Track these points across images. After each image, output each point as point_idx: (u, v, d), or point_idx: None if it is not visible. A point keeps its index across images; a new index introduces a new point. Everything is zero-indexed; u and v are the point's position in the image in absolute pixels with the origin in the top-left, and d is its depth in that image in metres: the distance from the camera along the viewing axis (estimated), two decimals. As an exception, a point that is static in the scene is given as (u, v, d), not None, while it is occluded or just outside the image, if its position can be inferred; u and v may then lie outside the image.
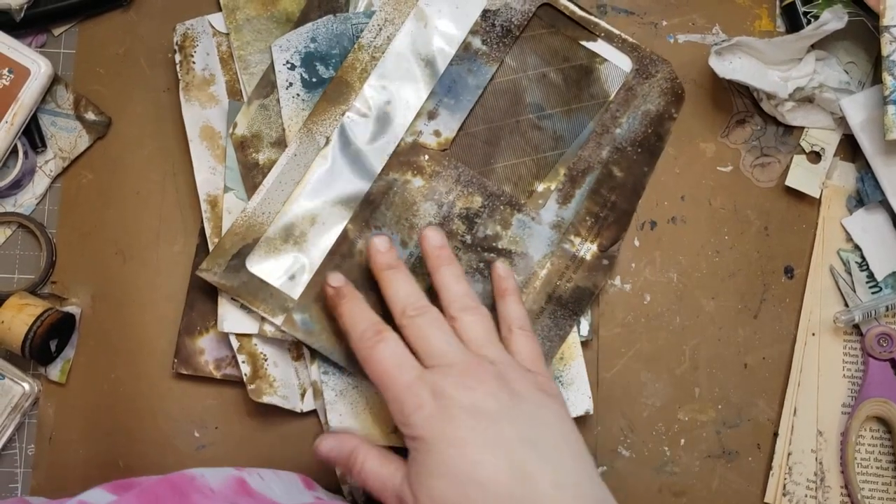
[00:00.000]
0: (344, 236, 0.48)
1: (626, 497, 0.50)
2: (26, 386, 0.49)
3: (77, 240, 0.51)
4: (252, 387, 0.48)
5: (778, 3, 0.53)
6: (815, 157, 0.52)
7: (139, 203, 0.51)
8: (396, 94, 0.50)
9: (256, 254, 0.48)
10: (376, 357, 0.42)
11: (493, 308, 0.46)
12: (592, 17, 0.52)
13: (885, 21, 0.48)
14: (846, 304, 0.51)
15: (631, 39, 0.52)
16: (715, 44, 0.49)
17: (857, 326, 0.51)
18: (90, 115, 0.51)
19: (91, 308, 0.51)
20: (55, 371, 0.50)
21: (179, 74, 0.50)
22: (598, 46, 0.52)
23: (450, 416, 0.39)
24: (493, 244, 0.49)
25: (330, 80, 0.50)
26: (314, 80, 0.50)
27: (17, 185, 0.50)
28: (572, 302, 0.49)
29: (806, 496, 0.50)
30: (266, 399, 0.48)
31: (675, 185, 0.52)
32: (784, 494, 0.49)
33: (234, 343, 0.48)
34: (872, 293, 0.51)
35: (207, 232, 0.49)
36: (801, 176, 0.52)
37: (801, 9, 0.51)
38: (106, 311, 0.51)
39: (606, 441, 0.50)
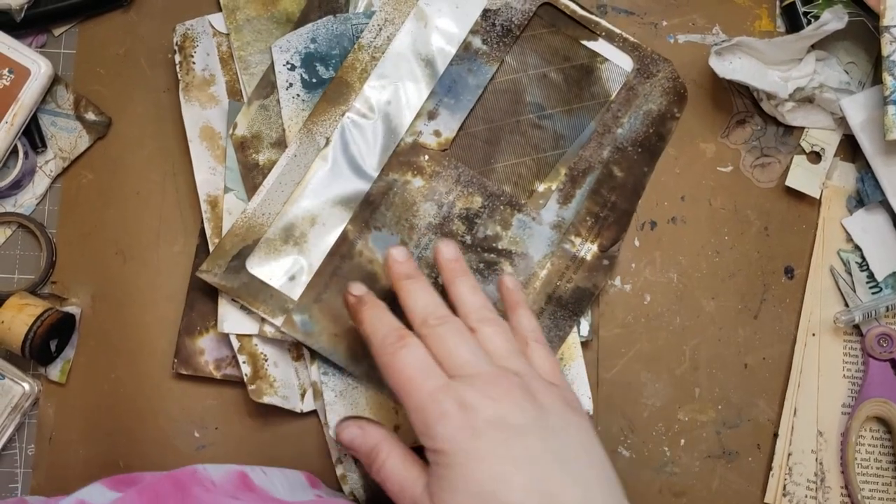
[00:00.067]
0: (344, 237, 0.48)
1: (626, 497, 0.50)
2: (26, 386, 0.49)
3: (77, 240, 0.51)
4: (253, 387, 0.48)
5: (778, 3, 0.53)
6: (816, 157, 0.52)
7: (139, 203, 0.51)
8: (396, 94, 0.50)
9: (256, 255, 0.48)
10: (398, 364, 0.39)
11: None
12: (593, 17, 0.52)
13: (886, 21, 0.48)
14: (846, 305, 0.51)
15: (632, 39, 0.52)
16: (715, 44, 0.49)
17: (857, 327, 0.51)
18: (90, 116, 0.51)
19: (91, 308, 0.51)
20: (55, 371, 0.50)
21: (179, 75, 0.50)
22: (599, 46, 0.52)
23: (475, 428, 0.37)
24: (494, 244, 0.49)
25: (330, 80, 0.50)
26: (314, 80, 0.50)
27: (17, 186, 0.50)
28: (572, 302, 0.49)
29: (806, 496, 0.50)
30: (266, 399, 0.48)
31: (675, 185, 0.52)
32: (784, 495, 0.49)
33: (235, 343, 0.48)
34: (872, 293, 0.51)
35: (208, 232, 0.49)
36: (802, 176, 0.52)
37: (802, 9, 0.51)
38: (106, 311, 0.51)
39: (606, 441, 0.50)
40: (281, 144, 0.49)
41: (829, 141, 0.52)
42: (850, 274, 0.51)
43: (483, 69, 0.50)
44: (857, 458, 0.50)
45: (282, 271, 0.48)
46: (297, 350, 0.49)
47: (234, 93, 0.50)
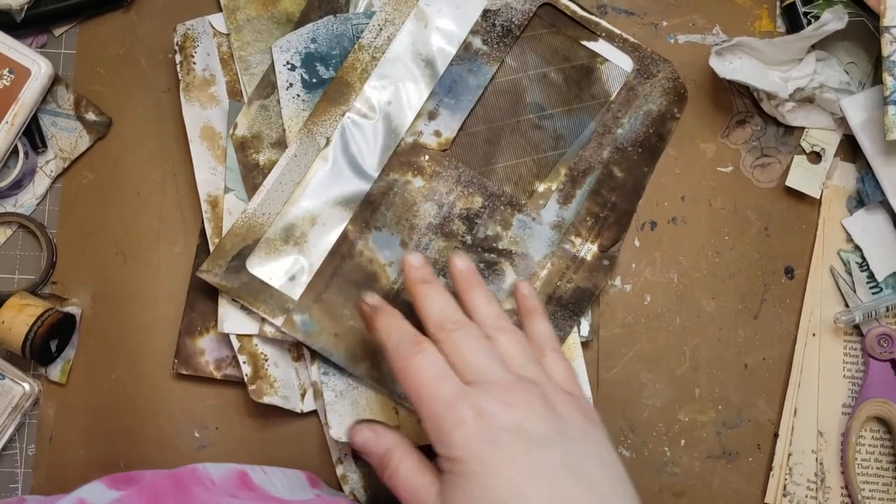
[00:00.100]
0: (344, 237, 0.48)
1: (626, 497, 0.50)
2: (26, 386, 0.49)
3: (77, 240, 0.51)
4: (253, 387, 0.48)
5: (778, 3, 0.53)
6: (816, 157, 0.52)
7: (140, 203, 0.51)
8: (397, 94, 0.50)
9: (257, 255, 0.48)
10: (413, 369, 0.38)
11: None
12: (593, 17, 0.52)
13: (886, 21, 0.48)
14: (846, 305, 0.51)
15: (632, 39, 0.52)
16: (715, 44, 0.49)
17: (857, 327, 0.51)
18: (91, 116, 0.51)
19: (91, 308, 0.51)
20: (55, 371, 0.50)
21: (180, 75, 0.50)
22: (599, 46, 0.52)
23: (492, 437, 0.36)
24: (494, 244, 0.49)
25: (330, 80, 0.50)
26: (314, 80, 0.50)
27: (17, 186, 0.50)
28: (573, 302, 0.49)
29: (806, 497, 0.50)
30: (267, 399, 0.48)
31: (675, 185, 0.52)
32: (784, 495, 0.49)
33: (235, 343, 0.48)
34: (873, 294, 0.51)
35: (208, 232, 0.49)
36: (802, 176, 0.52)
37: (802, 9, 0.51)
38: (106, 311, 0.51)
39: (607, 441, 0.50)
40: (281, 144, 0.49)
41: (829, 141, 0.52)
42: (850, 274, 0.51)
43: (483, 69, 0.50)
44: (858, 458, 0.50)
45: (282, 271, 0.48)
46: (298, 350, 0.49)
47: (234, 93, 0.51)
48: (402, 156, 0.49)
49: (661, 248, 0.52)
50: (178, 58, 0.50)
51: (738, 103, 0.53)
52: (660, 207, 0.52)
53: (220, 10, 0.51)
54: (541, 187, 0.50)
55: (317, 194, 0.49)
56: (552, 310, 0.49)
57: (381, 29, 0.50)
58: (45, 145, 0.51)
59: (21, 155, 0.50)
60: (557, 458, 0.36)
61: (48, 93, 0.51)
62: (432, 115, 0.50)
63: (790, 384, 0.50)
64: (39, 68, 0.49)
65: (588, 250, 0.50)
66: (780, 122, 0.52)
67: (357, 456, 0.49)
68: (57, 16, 0.51)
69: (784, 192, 0.52)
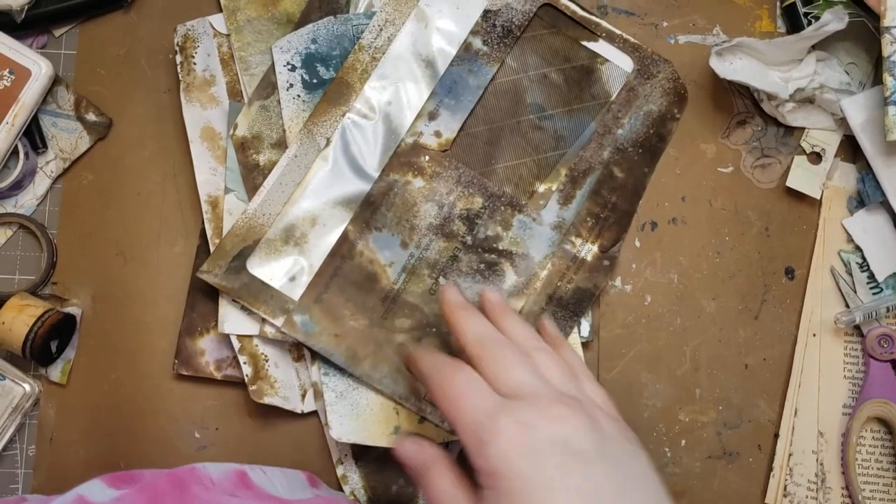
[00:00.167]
0: (344, 237, 0.48)
1: (626, 498, 0.50)
2: (27, 387, 0.49)
3: (78, 241, 0.51)
4: (254, 388, 0.48)
5: (778, 3, 0.53)
6: (816, 157, 0.52)
7: (140, 204, 0.51)
8: (397, 94, 0.50)
9: (257, 255, 0.48)
10: (450, 380, 0.37)
11: None
12: (594, 17, 0.52)
13: (886, 22, 0.48)
14: (847, 305, 0.51)
15: (632, 39, 0.52)
16: (715, 45, 0.49)
17: (857, 327, 0.51)
18: (91, 116, 0.51)
19: (92, 309, 0.51)
20: (56, 372, 0.50)
21: (180, 75, 0.50)
22: (600, 47, 0.52)
23: (536, 450, 0.34)
24: (494, 245, 0.49)
25: (330, 81, 0.50)
26: (315, 81, 0.50)
27: (17, 186, 0.50)
28: (573, 303, 0.49)
29: (807, 497, 0.49)
30: (267, 400, 0.48)
31: (675, 185, 0.52)
32: (785, 495, 0.49)
33: (236, 344, 0.48)
34: (873, 294, 0.51)
35: (208, 233, 0.49)
36: (802, 177, 0.52)
37: (802, 10, 0.51)
38: (106, 311, 0.51)
39: (607, 442, 0.50)
40: (281, 145, 0.49)
41: (829, 141, 0.52)
42: (850, 274, 0.51)
43: (483, 70, 0.50)
44: (858, 458, 0.50)
45: (282, 272, 0.48)
46: (298, 351, 0.49)
47: (234, 93, 0.51)
48: (403, 156, 0.49)
49: (661, 249, 0.52)
50: (178, 58, 0.51)
51: (739, 104, 0.53)
52: (660, 208, 0.52)
53: (221, 11, 0.51)
54: (541, 188, 0.50)
55: (317, 195, 0.49)
56: (552, 310, 0.49)
57: (381, 29, 0.50)
58: (45, 146, 0.51)
59: (21, 155, 0.50)
60: (605, 477, 0.34)
61: (48, 93, 0.51)
62: (432, 116, 0.50)
63: (790, 384, 0.50)
64: (40, 69, 0.49)
65: (588, 251, 0.50)
66: (781, 122, 0.52)
67: (357, 456, 0.49)
68: (57, 16, 0.52)
69: (784, 193, 0.52)
